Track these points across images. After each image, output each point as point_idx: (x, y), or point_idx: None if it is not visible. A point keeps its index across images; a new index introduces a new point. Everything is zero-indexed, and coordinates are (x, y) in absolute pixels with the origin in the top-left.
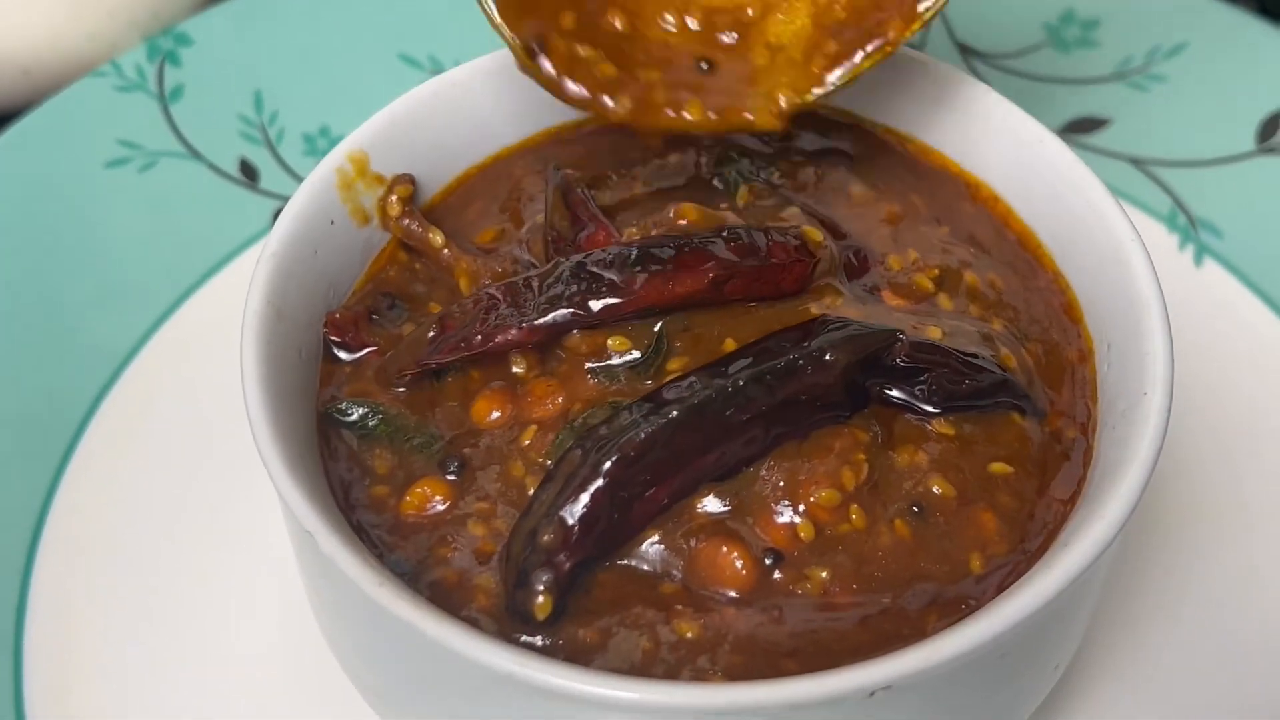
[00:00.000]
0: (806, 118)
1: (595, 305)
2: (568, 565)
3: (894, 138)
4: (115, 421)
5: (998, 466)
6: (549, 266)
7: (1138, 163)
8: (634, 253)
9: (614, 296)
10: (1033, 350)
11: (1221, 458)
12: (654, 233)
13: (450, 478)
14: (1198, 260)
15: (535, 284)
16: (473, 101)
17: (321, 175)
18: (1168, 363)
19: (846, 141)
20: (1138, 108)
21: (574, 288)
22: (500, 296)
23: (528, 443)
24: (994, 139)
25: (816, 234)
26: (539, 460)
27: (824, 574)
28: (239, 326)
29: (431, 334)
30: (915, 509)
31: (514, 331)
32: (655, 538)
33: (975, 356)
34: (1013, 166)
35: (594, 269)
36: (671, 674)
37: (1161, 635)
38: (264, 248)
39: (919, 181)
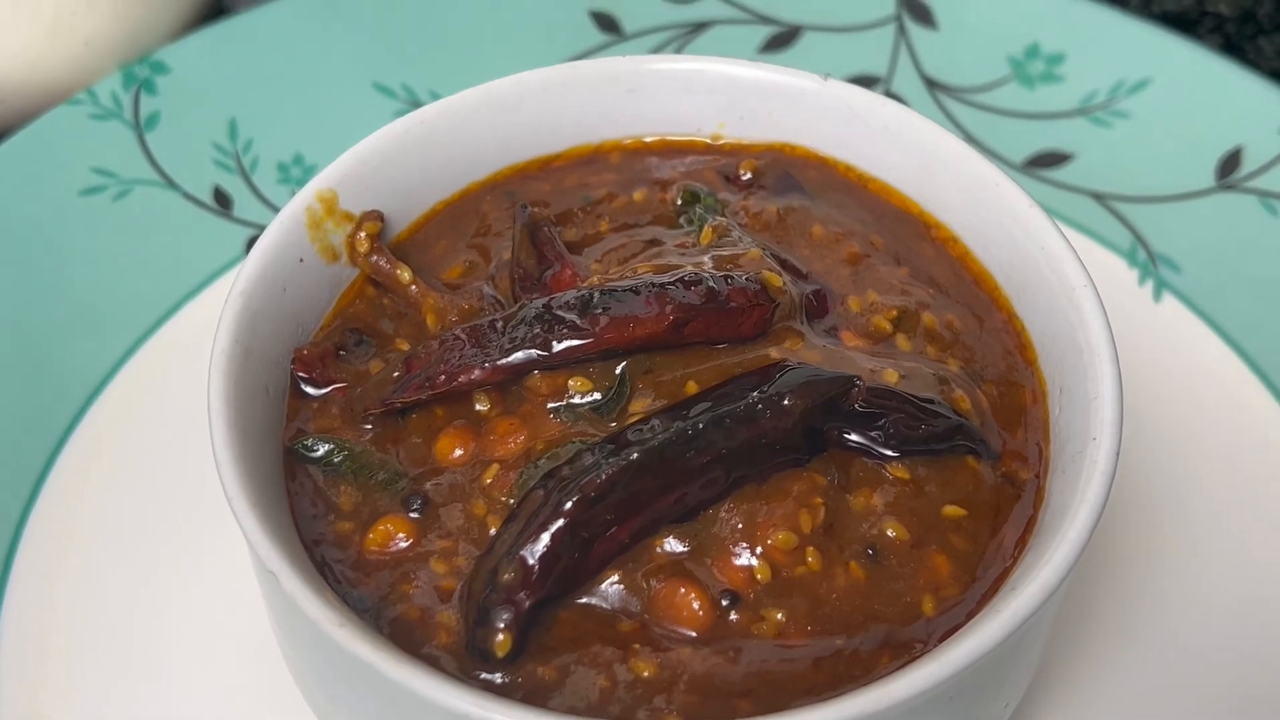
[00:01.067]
0: (769, 156)
1: (557, 346)
2: (527, 604)
3: (855, 177)
4: (88, 449)
5: (951, 509)
6: (514, 309)
7: (1099, 197)
8: (595, 295)
9: (576, 338)
10: (988, 391)
11: (1173, 492)
12: (615, 276)
13: (413, 515)
14: (1156, 295)
15: (500, 325)
16: (440, 139)
17: (290, 214)
18: (1116, 408)
19: (807, 180)
20: (1101, 143)
21: (536, 329)
22: (465, 337)
23: (490, 481)
24: (951, 179)
25: (777, 279)
26: (501, 498)
27: (780, 615)
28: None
29: (397, 373)
30: (870, 551)
31: (477, 372)
32: (615, 577)
33: (931, 401)
34: (970, 207)
35: (558, 311)
36: (628, 713)
37: (1112, 668)
38: (232, 286)
39: (879, 221)
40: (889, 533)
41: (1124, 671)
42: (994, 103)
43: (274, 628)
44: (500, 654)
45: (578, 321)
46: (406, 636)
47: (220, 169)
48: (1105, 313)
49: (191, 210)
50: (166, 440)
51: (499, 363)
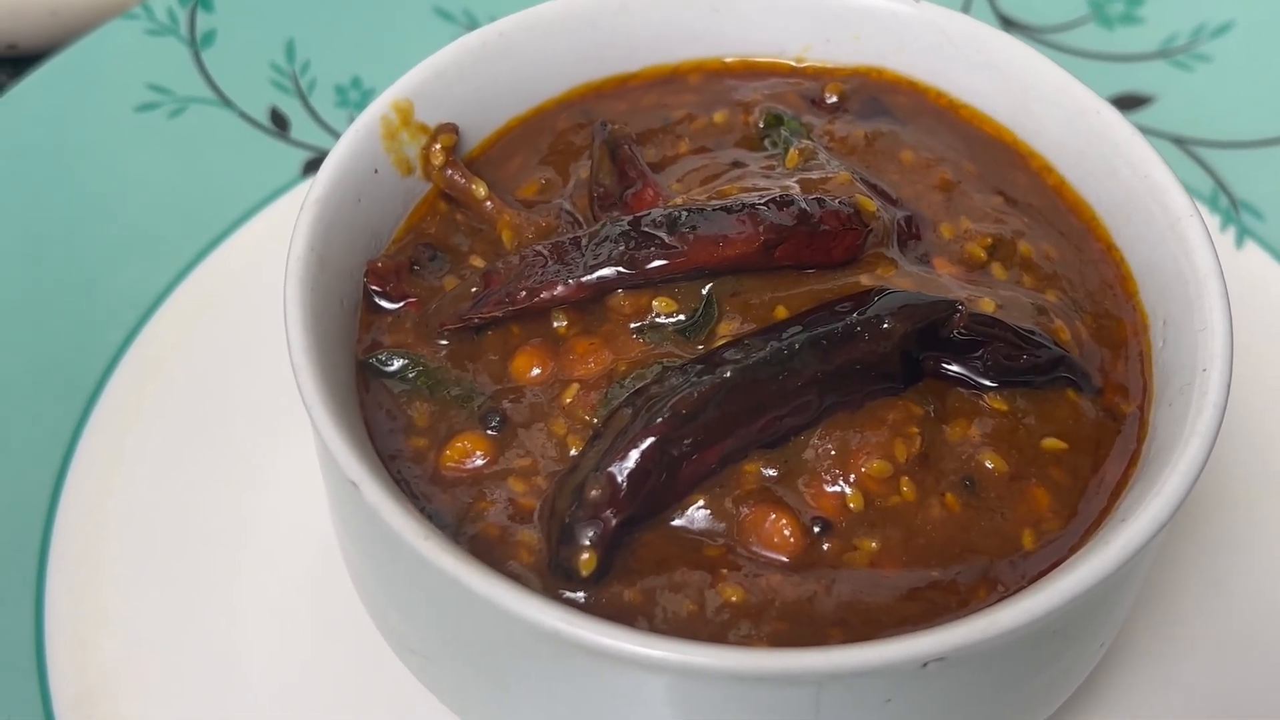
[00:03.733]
0: (856, 80)
1: (644, 264)
2: (614, 521)
3: (946, 103)
4: (140, 372)
5: (1051, 442)
6: (598, 225)
7: (1180, 142)
8: (684, 213)
9: (663, 256)
10: (1087, 323)
11: (1260, 441)
12: (701, 197)
13: (491, 432)
14: (1239, 242)
15: (583, 242)
16: (517, 53)
17: (365, 123)
18: (1227, 338)
19: (896, 105)
20: (1181, 86)
21: (622, 246)
22: (547, 253)
23: (570, 400)
24: (1048, 108)
25: (870, 203)
26: (583, 418)
27: (873, 544)
28: (269, 277)
29: (475, 289)
30: (967, 483)
31: (560, 288)
32: (702, 501)
33: (1033, 332)
34: (1067, 136)
35: (645, 228)
36: (716, 638)
37: (1199, 616)
38: (308, 193)
39: (971, 148)
40: (986, 464)
41: (1211, 621)
42: (1071, 43)
43: (345, 544)
44: (585, 572)
45: (666, 239)
46: (486, 555)
47: (277, 90)
48: (1212, 242)
49: (247, 131)
50: (218, 365)
51: (583, 279)
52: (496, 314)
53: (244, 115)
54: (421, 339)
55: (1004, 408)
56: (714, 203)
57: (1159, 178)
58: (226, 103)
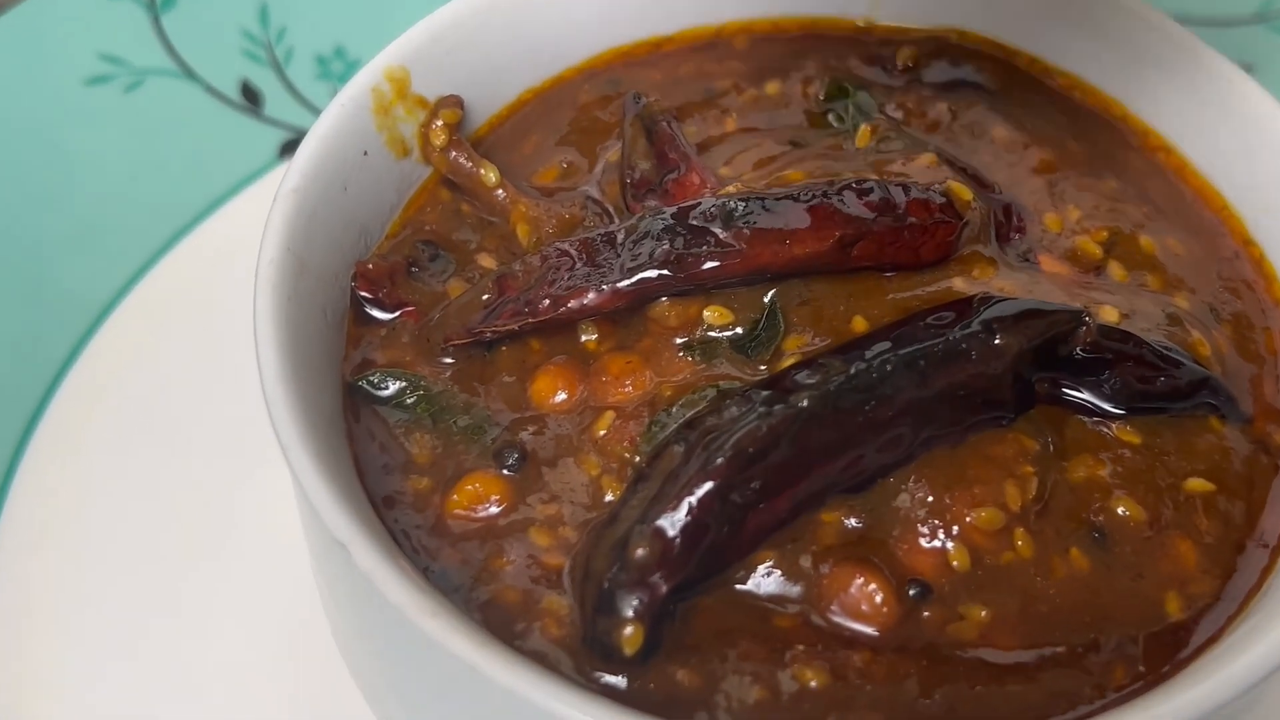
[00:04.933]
0: (933, 44)
1: (693, 266)
2: (665, 588)
3: (1040, 69)
4: (89, 387)
5: (1195, 483)
6: (635, 219)
7: None
8: (741, 204)
9: (717, 257)
10: (1226, 334)
11: None
12: (760, 183)
13: (507, 472)
14: None
15: (619, 238)
16: (532, 13)
17: (353, 96)
18: None
19: (983, 73)
20: None
21: (666, 244)
22: (574, 253)
23: (603, 433)
24: (1166, 75)
25: (965, 191)
26: (621, 454)
27: (983, 613)
28: (239, 274)
29: (487, 296)
30: (1095, 535)
31: (591, 295)
32: (772, 559)
33: (1169, 348)
34: (1190, 110)
35: (694, 222)
36: None
37: None
38: (282, 182)
39: (1074, 124)
40: (1120, 510)
41: None
42: (1163, 5)
43: (330, 610)
44: (629, 651)
45: (720, 235)
46: (504, 626)
47: (249, 60)
48: None
49: (215, 106)
50: (181, 378)
51: (619, 285)
52: (513, 327)
53: (210, 89)
54: (422, 356)
55: (1136, 440)
56: (775, 190)
57: None
58: (190, 74)
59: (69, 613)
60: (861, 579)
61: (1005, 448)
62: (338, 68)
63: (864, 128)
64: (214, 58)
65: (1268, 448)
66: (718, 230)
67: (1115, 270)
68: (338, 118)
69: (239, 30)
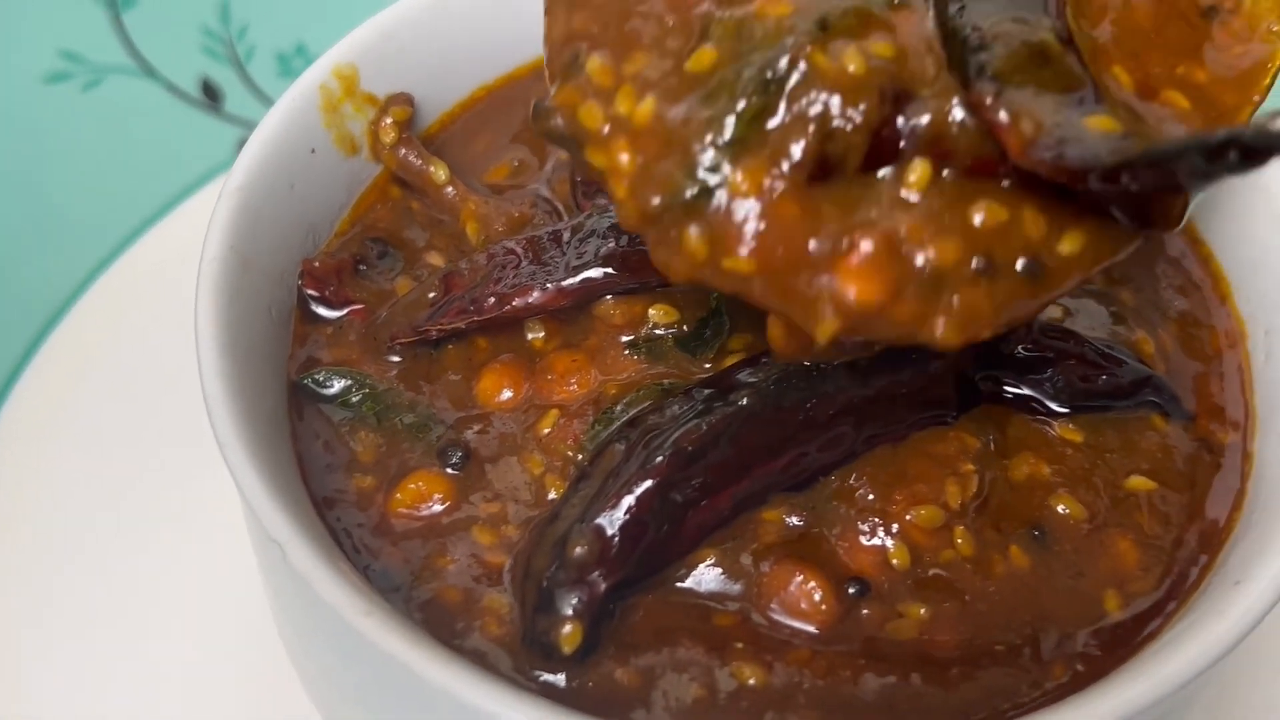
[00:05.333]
0: None
1: (639, 264)
2: (604, 586)
3: None
4: (47, 383)
5: (1137, 481)
6: (581, 217)
7: None
8: None
9: None
10: (1171, 333)
11: None
12: None
13: (451, 470)
14: None
15: (564, 237)
16: (483, 11)
17: (301, 93)
18: None
19: None
20: None
21: (612, 242)
22: (520, 252)
23: (548, 430)
24: None
25: None
26: (565, 453)
27: (922, 611)
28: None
29: (433, 294)
30: (1036, 533)
31: (536, 293)
32: (712, 558)
33: (1112, 346)
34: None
35: None
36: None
37: None
38: (227, 180)
39: None
40: (1060, 509)
41: None
42: None
43: (273, 608)
44: (567, 649)
45: None
46: (444, 625)
47: (209, 57)
48: None
49: (174, 104)
50: (139, 375)
51: (564, 283)
52: (459, 325)
53: (170, 86)
54: (368, 355)
55: (1078, 439)
56: None
57: None
58: (150, 72)
59: (18, 609)
60: (801, 577)
61: (947, 446)
62: (299, 65)
63: None
64: (174, 55)
65: (1210, 446)
66: None
67: None
68: (284, 115)
69: (200, 28)
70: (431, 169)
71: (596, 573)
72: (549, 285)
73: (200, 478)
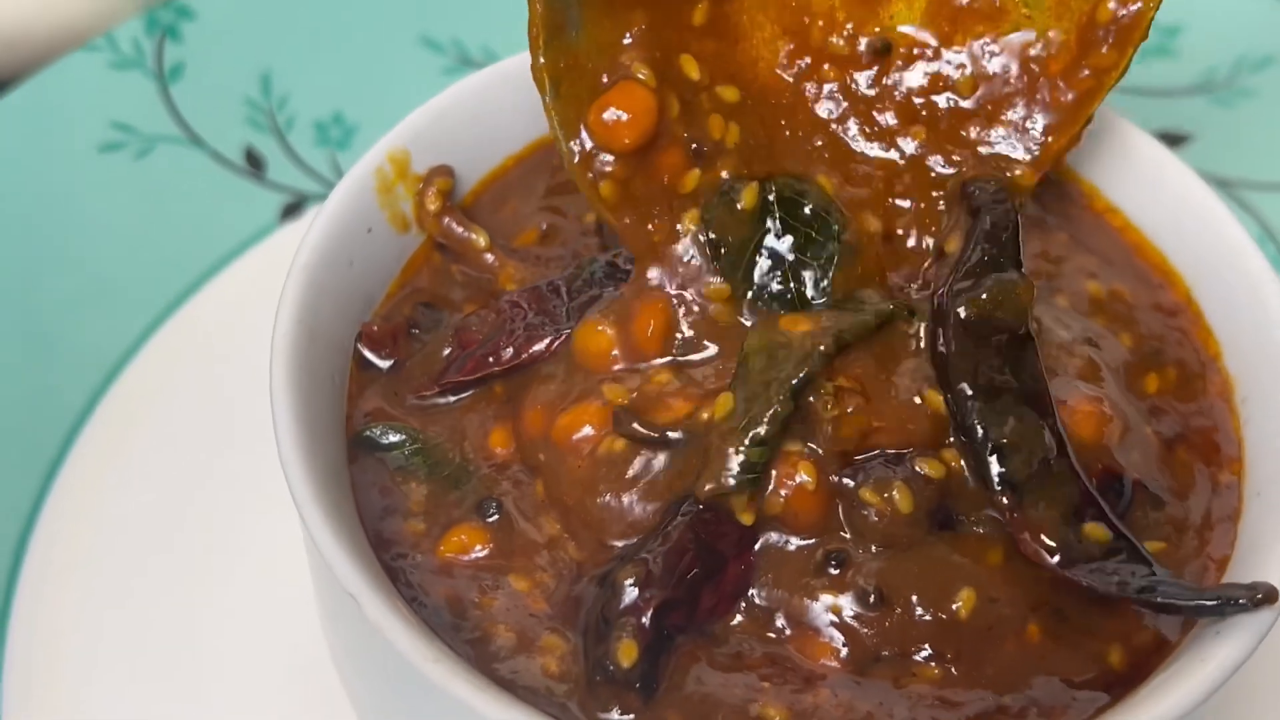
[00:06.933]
0: None
1: None
2: (653, 603)
3: None
4: (105, 435)
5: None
6: (574, 268)
7: (1223, 184)
8: None
9: None
10: (1167, 375)
11: None
12: None
13: (490, 520)
14: None
15: (560, 287)
16: (514, 85)
17: (358, 178)
18: None
19: None
20: (1223, 124)
21: (612, 286)
22: (524, 304)
23: None
24: (1104, 152)
25: None
26: None
27: (935, 671)
28: (243, 333)
29: (448, 350)
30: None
31: (547, 340)
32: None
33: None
34: (1128, 184)
35: (629, 267)
36: None
37: None
38: (294, 260)
39: None
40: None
41: None
42: None
43: (336, 652)
44: (625, 663)
45: None
46: (500, 663)
47: (252, 127)
48: None
49: (220, 172)
50: (191, 429)
51: (571, 329)
52: (480, 375)
53: (216, 155)
54: (399, 406)
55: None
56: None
57: (1234, 239)
58: (197, 141)
59: (82, 656)
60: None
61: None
62: (336, 134)
63: None
64: (219, 125)
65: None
66: None
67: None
68: (343, 199)
69: (243, 99)
70: (473, 236)
71: (645, 594)
72: (561, 331)
73: (250, 527)
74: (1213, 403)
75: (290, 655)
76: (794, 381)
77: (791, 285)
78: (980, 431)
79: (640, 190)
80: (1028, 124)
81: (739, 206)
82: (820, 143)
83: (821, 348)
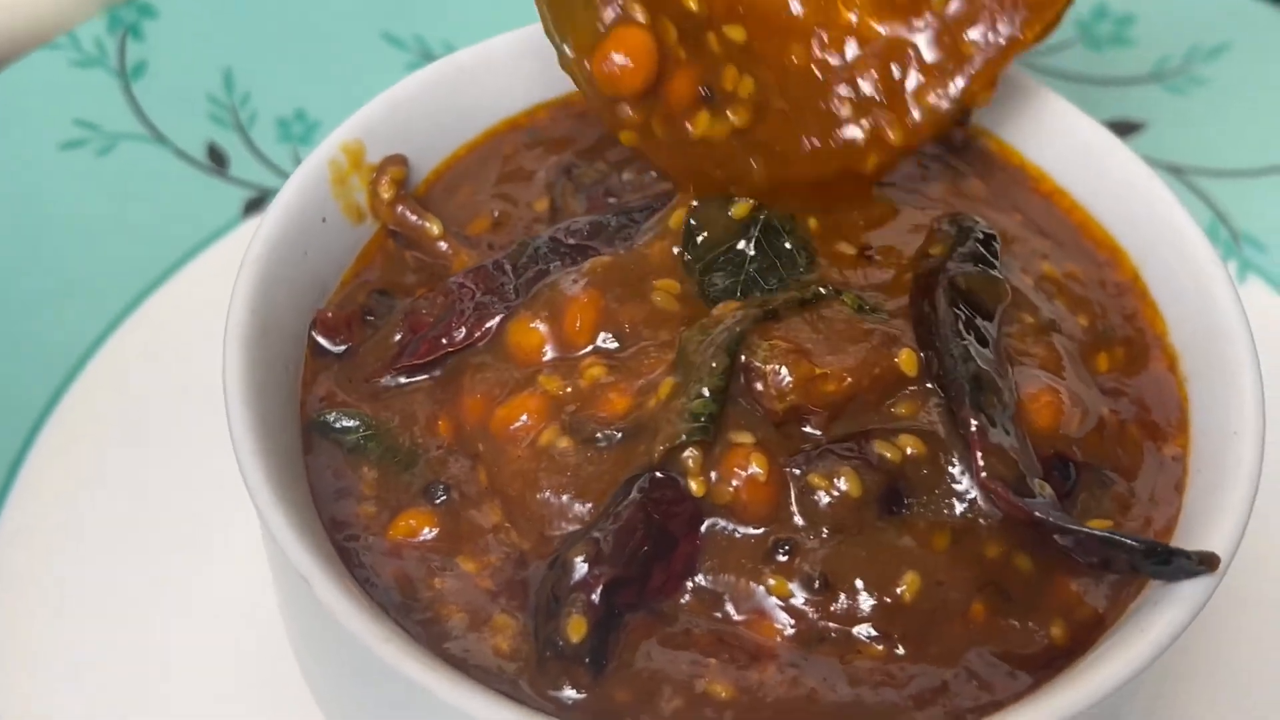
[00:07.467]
0: None
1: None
2: (602, 580)
3: None
4: (67, 431)
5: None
6: (516, 247)
7: (1176, 171)
8: (613, 220)
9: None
10: (1116, 355)
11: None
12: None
13: (438, 503)
14: (1240, 276)
15: (507, 265)
16: (468, 81)
17: (312, 168)
18: (1258, 403)
19: None
20: (1176, 112)
21: (557, 261)
22: (472, 285)
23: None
24: (1052, 138)
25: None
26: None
27: (880, 649)
28: (206, 327)
29: (399, 335)
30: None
31: (498, 319)
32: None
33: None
34: (1077, 169)
35: (572, 240)
36: None
37: (1227, 697)
38: (247, 250)
39: (976, 165)
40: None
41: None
42: (1059, 66)
43: (293, 636)
44: (575, 638)
45: (601, 250)
46: (451, 641)
47: (214, 123)
48: (1238, 295)
49: (183, 168)
50: (154, 426)
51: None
52: (434, 358)
53: (179, 151)
54: (353, 392)
55: None
56: (637, 202)
57: (1176, 221)
58: (160, 138)
59: (43, 651)
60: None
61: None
62: (298, 129)
63: None
64: (182, 122)
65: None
66: (598, 245)
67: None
68: (297, 190)
69: (205, 95)
70: (426, 224)
71: (594, 570)
72: (508, 308)
73: (212, 522)
74: (1160, 379)
75: (252, 647)
76: (726, 337)
77: (739, 293)
78: (961, 354)
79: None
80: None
81: (730, 213)
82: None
83: (753, 311)
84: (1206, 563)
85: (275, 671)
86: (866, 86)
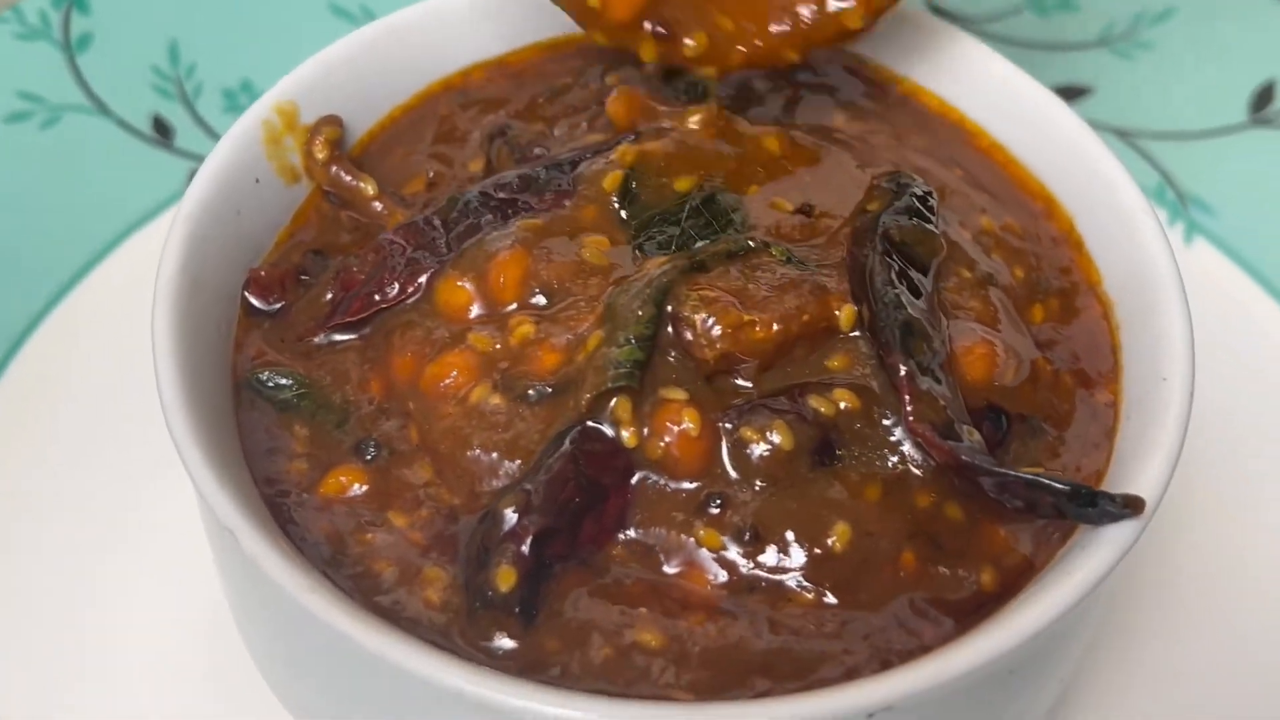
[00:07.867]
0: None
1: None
2: (531, 529)
3: (884, 76)
4: (10, 408)
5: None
6: (442, 203)
7: (1123, 134)
8: (542, 172)
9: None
10: (1050, 305)
11: (1201, 443)
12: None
13: (369, 460)
14: (1187, 238)
15: (436, 220)
16: (403, 42)
17: (245, 128)
18: (1188, 348)
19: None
20: (1122, 76)
21: (488, 214)
22: (402, 241)
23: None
24: (994, 100)
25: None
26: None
27: (810, 598)
28: (150, 297)
29: (331, 294)
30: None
31: (430, 273)
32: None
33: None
34: (1017, 128)
35: (502, 194)
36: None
37: (1164, 645)
38: (179, 208)
39: (916, 121)
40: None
41: (1175, 648)
42: (1007, 33)
43: (227, 593)
44: (504, 587)
45: (532, 203)
46: (381, 594)
47: (160, 95)
48: (1169, 243)
49: (128, 140)
50: (97, 401)
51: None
52: (368, 314)
53: (123, 124)
54: (285, 351)
55: None
56: (566, 155)
57: (1110, 174)
58: (104, 110)
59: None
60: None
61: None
62: (244, 101)
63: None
64: (127, 94)
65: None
66: (529, 199)
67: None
68: (230, 149)
69: (150, 67)
70: (361, 185)
71: (524, 520)
72: (440, 263)
73: (153, 487)
74: (1093, 327)
75: (194, 617)
76: (652, 288)
77: (673, 248)
78: (893, 302)
79: None
80: None
81: (675, 186)
82: None
83: (680, 262)
84: (1131, 505)
85: (215, 630)
86: None
